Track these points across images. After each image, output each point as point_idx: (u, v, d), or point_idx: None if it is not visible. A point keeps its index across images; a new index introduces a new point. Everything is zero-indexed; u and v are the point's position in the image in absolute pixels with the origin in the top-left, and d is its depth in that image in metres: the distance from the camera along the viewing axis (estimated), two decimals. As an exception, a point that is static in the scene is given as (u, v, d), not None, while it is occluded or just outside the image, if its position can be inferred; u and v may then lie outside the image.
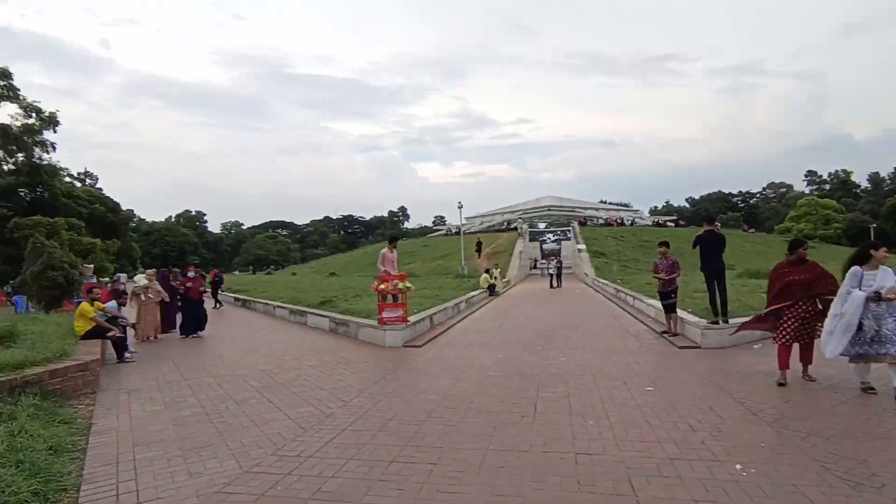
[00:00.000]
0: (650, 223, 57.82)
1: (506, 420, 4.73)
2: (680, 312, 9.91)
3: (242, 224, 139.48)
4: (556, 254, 63.73)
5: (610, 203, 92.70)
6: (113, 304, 9.03)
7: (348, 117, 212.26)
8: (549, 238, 63.76)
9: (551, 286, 25.97)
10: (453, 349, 8.82)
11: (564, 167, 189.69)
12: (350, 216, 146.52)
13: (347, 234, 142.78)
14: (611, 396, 5.44)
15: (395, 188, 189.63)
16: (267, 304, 17.18)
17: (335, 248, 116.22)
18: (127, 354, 8.45)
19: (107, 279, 18.77)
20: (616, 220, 53.14)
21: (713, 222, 8.89)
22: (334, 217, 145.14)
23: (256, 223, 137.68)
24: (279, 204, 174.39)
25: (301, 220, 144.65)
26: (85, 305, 8.12)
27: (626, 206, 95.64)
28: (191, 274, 12.08)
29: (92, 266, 19.89)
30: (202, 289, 12.39)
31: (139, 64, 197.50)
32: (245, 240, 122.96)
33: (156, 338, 11.03)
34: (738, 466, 3.50)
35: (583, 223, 49.87)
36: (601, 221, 52.95)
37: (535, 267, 46.32)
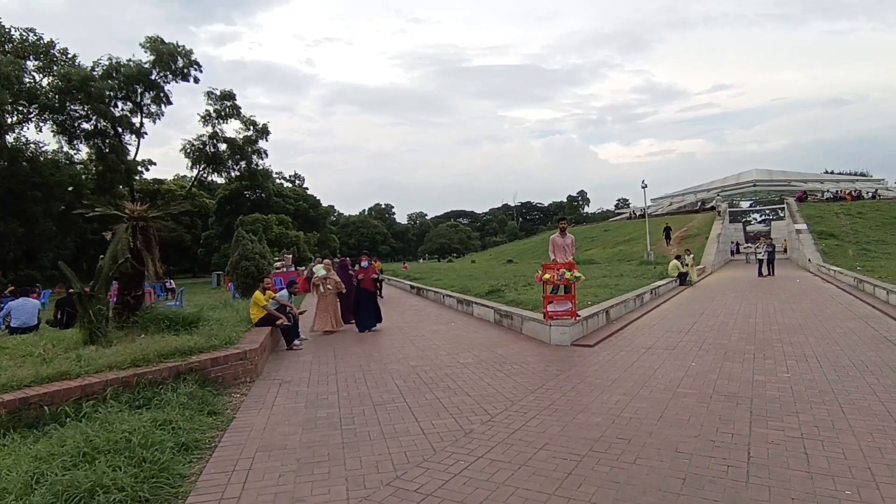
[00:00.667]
0: (901, 194, 45.60)
1: (701, 469, 3.34)
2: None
3: (426, 214, 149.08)
4: (764, 235, 54.63)
5: (837, 174, 76.18)
6: (284, 292, 9.50)
7: (524, 104, 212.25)
8: (754, 218, 54.73)
9: (760, 274, 21.77)
10: (632, 352, 7.33)
11: (775, 136, 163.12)
12: (528, 203, 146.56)
13: (526, 220, 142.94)
14: (876, 445, 3.61)
15: (575, 172, 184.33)
16: (438, 292, 17.25)
17: (513, 235, 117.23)
18: (296, 342, 8.78)
19: (303, 268, 20.82)
20: (850, 193, 42.94)
21: None
22: (512, 204, 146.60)
23: (439, 213, 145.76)
24: (460, 194, 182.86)
25: (481, 208, 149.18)
26: (257, 294, 8.61)
27: (862, 175, 77.68)
28: (364, 264, 11.45)
29: (291, 255, 22.26)
30: (376, 276, 12.52)
31: (337, 76, 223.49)
32: (429, 229, 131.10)
33: (334, 330, 10.63)
34: None
35: (802, 198, 41.21)
36: (829, 195, 43.21)
37: (737, 251, 40.05)
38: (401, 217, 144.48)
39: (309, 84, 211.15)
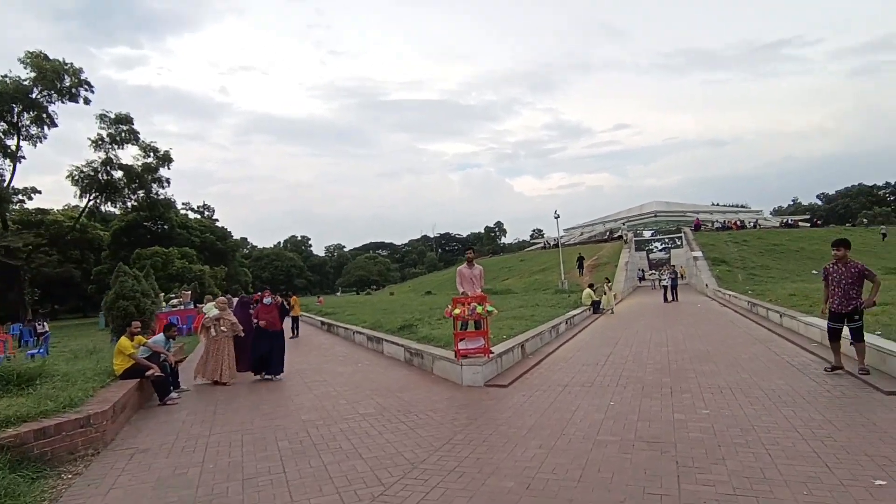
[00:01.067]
0: (777, 224, 50.84)
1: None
2: (870, 338, 7.12)
3: (344, 246, 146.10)
4: (665, 263, 58.35)
5: (722, 205, 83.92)
6: (160, 337, 8.13)
7: (443, 137, 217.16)
8: (656, 247, 58.47)
9: (665, 300, 22.72)
10: (548, 391, 6.82)
11: (669, 172, 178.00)
12: (447, 234, 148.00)
13: (445, 251, 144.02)
14: (814, 500, 3.21)
15: (492, 204, 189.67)
16: (348, 328, 16.17)
17: (433, 266, 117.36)
18: (173, 395, 7.46)
19: (202, 305, 18.88)
20: (736, 223, 47.15)
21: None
22: (432, 236, 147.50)
23: (357, 245, 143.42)
24: (380, 226, 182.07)
25: (400, 240, 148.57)
26: (123, 341, 7.26)
27: (742, 206, 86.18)
28: (266, 300, 9.91)
29: (190, 292, 20.23)
30: (288, 310, 11.17)
31: (252, 105, 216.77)
32: (347, 261, 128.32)
33: (226, 382, 8.89)
34: None
35: (697, 227, 44.58)
36: (718, 225, 47.22)
37: (642, 279, 42.22)
38: (318, 249, 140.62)
39: (223, 112, 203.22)
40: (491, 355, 7.78)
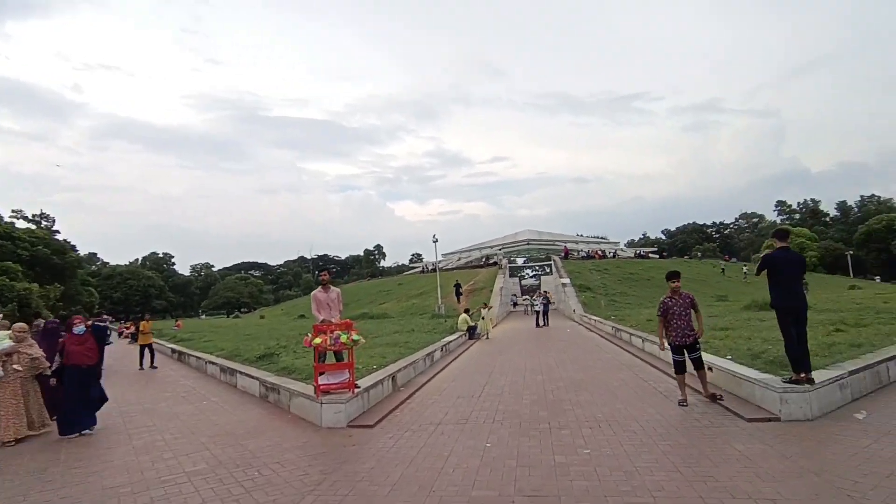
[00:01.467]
0: (632, 255, 56.26)
1: None
2: (724, 364, 7.38)
3: (213, 266, 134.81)
4: (536, 289, 61.38)
5: (586, 236, 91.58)
6: None
7: (325, 157, 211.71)
8: (527, 273, 61.53)
9: (538, 325, 23.35)
10: (419, 431, 6.04)
11: (540, 204, 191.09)
12: (325, 256, 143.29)
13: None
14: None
15: (372, 227, 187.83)
16: (200, 358, 14.11)
17: (309, 288, 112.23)
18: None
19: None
20: (598, 253, 51.25)
21: (787, 237, 6.40)
22: (309, 257, 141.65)
23: (228, 265, 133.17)
24: (255, 245, 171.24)
25: (276, 260, 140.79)
26: None
27: (602, 238, 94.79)
28: (77, 329, 7.54)
29: (1, 315, 16.44)
30: (106, 333, 9.12)
31: (113, 107, 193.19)
32: (216, 282, 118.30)
33: (27, 435, 6.89)
34: None
35: (566, 255, 47.55)
36: (583, 254, 50.96)
37: (516, 304, 43.75)
38: (183, 268, 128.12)
39: (75, 113, 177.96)
40: (356, 390, 6.84)
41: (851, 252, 75.87)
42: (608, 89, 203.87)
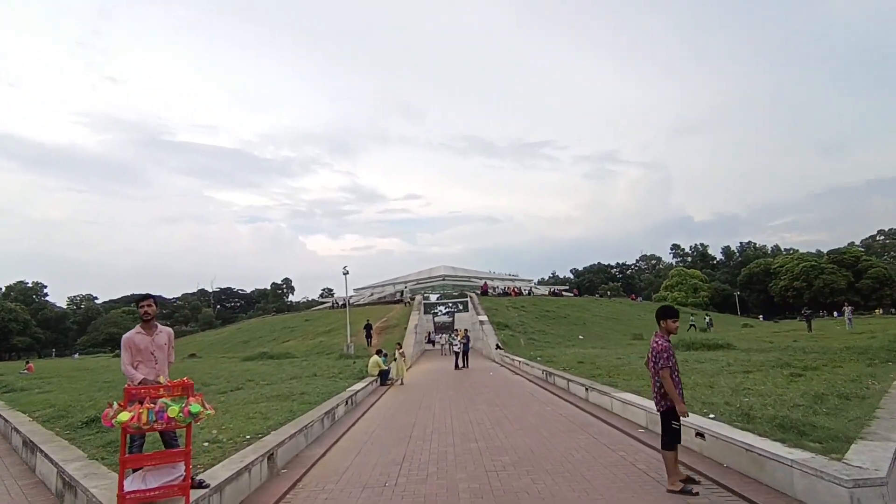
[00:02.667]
0: (545, 292, 56.34)
1: None
2: (721, 429, 5.58)
3: (96, 298, 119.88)
4: (449, 326, 59.44)
5: (500, 273, 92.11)
6: None
7: (234, 187, 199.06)
8: (440, 310, 59.63)
9: (457, 367, 21.17)
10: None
11: (453, 241, 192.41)
12: (228, 289, 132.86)
13: (225, 308, 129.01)
14: None
15: (283, 261, 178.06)
16: (8, 421, 10.31)
17: (208, 324, 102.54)
18: None
19: None
20: (514, 290, 50.58)
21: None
22: (210, 290, 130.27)
23: (115, 297, 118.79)
24: (153, 276, 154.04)
25: (177, 293, 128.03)
26: None
27: (514, 275, 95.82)
28: None
29: None
30: None
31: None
32: (97, 316, 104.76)
33: None
34: None
35: (485, 292, 45.99)
36: (499, 291, 50.00)
37: (429, 341, 41.37)
38: (60, 300, 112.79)
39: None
40: (202, 491, 4.17)
41: (738, 293, 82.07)
42: (518, 136, 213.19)
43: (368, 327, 32.40)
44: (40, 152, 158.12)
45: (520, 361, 19.62)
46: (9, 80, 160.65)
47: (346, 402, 10.48)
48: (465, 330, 24.42)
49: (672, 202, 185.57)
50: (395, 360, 16.10)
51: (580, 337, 33.16)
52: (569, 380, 12.12)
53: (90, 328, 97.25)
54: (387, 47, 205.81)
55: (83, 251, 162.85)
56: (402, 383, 15.81)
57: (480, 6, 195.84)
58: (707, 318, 43.76)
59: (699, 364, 13.05)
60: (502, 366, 22.04)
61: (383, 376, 15.52)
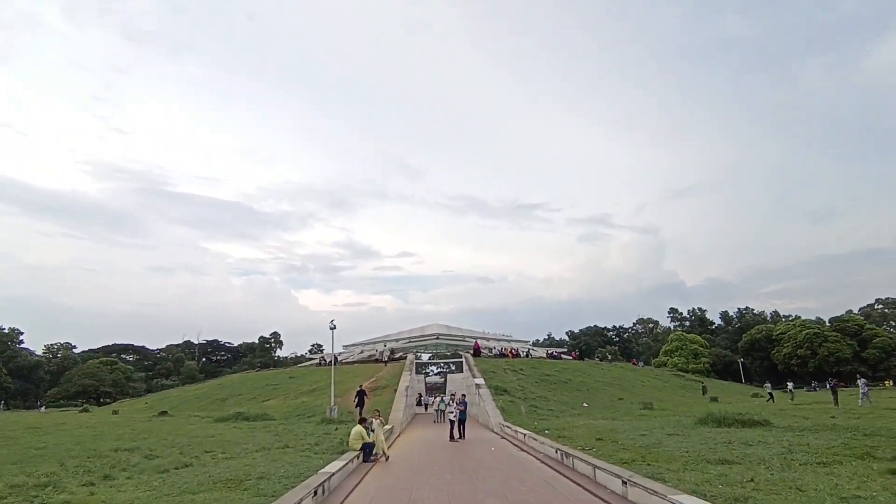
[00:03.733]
0: (543, 355, 53.62)
1: None
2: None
3: (74, 346, 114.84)
4: (440, 387, 56.02)
5: (494, 334, 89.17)
6: None
7: (229, 239, 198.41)
8: (432, 370, 56.43)
9: (452, 437, 18.61)
10: None
11: (445, 300, 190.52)
12: (215, 341, 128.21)
13: (210, 361, 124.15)
14: None
15: (275, 314, 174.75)
16: None
17: (191, 377, 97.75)
18: None
19: None
20: (511, 351, 47.92)
21: None
22: (196, 342, 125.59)
23: (96, 346, 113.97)
24: (141, 325, 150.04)
25: (160, 344, 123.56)
26: None
27: (507, 336, 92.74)
28: None
29: None
30: None
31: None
32: (74, 366, 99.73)
33: None
34: None
35: (477, 352, 43.14)
36: (495, 352, 47.31)
37: (419, 403, 38.23)
38: (38, 348, 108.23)
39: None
40: None
41: (741, 360, 79.35)
42: (513, 196, 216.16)
43: (362, 393, 26.81)
44: (41, 198, 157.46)
45: (524, 434, 17.14)
46: (18, 129, 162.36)
47: (315, 493, 8.13)
48: (462, 394, 21.94)
49: (665, 267, 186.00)
50: (372, 430, 13.67)
51: (584, 405, 30.52)
52: (595, 466, 9.80)
53: (63, 379, 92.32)
54: (387, 108, 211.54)
55: (76, 298, 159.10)
56: (386, 459, 13.33)
57: (479, 73, 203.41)
58: (790, 386, 44.01)
59: (748, 448, 10.82)
60: (503, 437, 19.48)
61: (367, 451, 13.07)
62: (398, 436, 21.48)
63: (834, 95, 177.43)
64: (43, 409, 73.06)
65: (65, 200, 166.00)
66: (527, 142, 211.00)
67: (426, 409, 35.25)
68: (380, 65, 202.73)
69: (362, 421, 13.76)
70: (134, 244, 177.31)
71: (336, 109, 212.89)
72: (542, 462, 12.51)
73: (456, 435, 18.73)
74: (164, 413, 36.25)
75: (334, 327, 28.93)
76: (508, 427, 20.76)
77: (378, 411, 14.88)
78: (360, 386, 28.49)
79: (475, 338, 56.45)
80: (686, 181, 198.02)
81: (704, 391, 45.26)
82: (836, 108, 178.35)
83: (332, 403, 26.37)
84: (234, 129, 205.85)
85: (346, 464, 11.31)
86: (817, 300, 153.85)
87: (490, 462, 12.95)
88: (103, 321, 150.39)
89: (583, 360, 55.84)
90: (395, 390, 31.09)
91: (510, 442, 17.76)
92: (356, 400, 26.24)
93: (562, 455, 12.15)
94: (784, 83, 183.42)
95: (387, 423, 24.11)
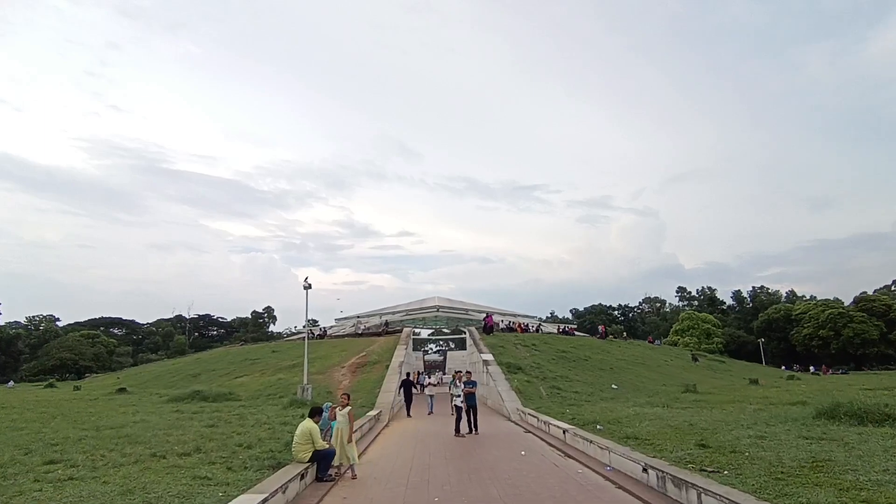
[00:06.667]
0: (555, 331, 48.46)
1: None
2: None
3: (58, 319, 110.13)
4: (440, 366, 51.01)
5: (498, 308, 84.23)
6: None
7: (229, 217, 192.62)
8: (431, 348, 51.49)
9: (458, 431, 13.55)
10: None
11: (445, 280, 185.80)
12: (207, 316, 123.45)
13: (202, 336, 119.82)
14: None
15: (274, 291, 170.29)
16: None
17: (180, 351, 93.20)
18: None
19: None
20: (520, 325, 42.84)
21: None
22: (188, 316, 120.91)
23: (82, 319, 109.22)
24: (139, 301, 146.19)
25: (151, 318, 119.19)
26: None
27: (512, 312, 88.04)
28: None
29: None
30: None
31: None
32: (55, 338, 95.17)
33: None
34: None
35: (489, 328, 36.67)
36: (503, 326, 42.08)
37: (423, 385, 32.39)
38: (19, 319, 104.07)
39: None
40: None
41: (762, 341, 74.53)
42: (512, 178, 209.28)
43: (408, 384, 21.89)
44: (37, 174, 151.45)
45: (563, 430, 11.99)
46: (14, 105, 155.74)
47: None
48: (469, 373, 16.82)
49: (663, 249, 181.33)
50: (330, 428, 8.45)
51: (613, 386, 25.51)
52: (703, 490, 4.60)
53: (41, 352, 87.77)
54: (386, 89, 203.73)
55: (74, 275, 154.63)
56: (353, 476, 8.19)
57: (479, 54, 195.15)
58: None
59: (850, 446, 5.64)
60: (527, 430, 14.39)
61: (321, 463, 7.91)
62: (385, 425, 16.44)
63: (835, 82, 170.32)
64: (11, 383, 68.29)
65: (62, 177, 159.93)
66: (526, 124, 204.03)
67: (420, 389, 29.90)
68: (378, 45, 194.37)
69: (313, 413, 8.49)
70: (132, 221, 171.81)
71: (334, 90, 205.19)
72: (593, 470, 7.31)
73: (464, 428, 13.65)
74: (122, 390, 31.35)
75: (308, 286, 23.80)
76: (532, 415, 15.72)
77: (347, 395, 9.44)
78: (408, 375, 23.75)
79: (479, 311, 51.15)
80: (686, 165, 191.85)
81: (695, 359, 43.91)
82: (837, 95, 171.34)
83: (306, 382, 21.33)
84: (231, 107, 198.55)
85: (279, 488, 6.12)
86: (816, 285, 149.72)
87: (529, 485, 7.73)
88: (101, 298, 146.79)
89: (605, 338, 50.62)
90: (388, 366, 26.03)
91: (539, 438, 12.66)
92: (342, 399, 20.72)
93: (660, 479, 6.92)
94: (785, 69, 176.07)
95: (373, 407, 19.14)
